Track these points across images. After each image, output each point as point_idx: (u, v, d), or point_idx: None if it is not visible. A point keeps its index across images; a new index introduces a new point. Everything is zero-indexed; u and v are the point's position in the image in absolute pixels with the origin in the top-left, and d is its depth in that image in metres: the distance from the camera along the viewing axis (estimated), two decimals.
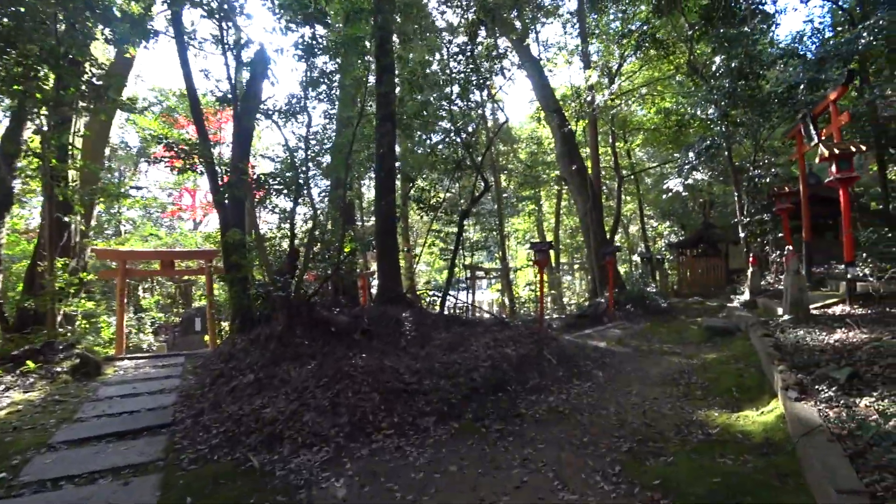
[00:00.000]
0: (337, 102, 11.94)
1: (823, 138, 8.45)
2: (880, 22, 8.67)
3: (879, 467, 2.89)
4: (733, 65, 10.82)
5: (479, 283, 26.92)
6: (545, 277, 12.28)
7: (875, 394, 3.86)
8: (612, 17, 17.67)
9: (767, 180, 11.81)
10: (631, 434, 4.42)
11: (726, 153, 12.88)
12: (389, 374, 5.60)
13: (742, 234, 12.54)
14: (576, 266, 30.26)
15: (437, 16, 13.89)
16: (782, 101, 10.30)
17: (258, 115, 9.68)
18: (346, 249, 11.24)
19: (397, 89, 11.44)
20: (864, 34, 8.86)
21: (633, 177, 22.83)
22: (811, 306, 7.45)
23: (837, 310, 7.34)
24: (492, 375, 5.54)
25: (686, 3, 13.50)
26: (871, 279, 7.34)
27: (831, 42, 10.77)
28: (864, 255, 7.58)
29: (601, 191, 15.78)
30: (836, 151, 7.32)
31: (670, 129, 17.24)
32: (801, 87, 9.38)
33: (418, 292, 14.86)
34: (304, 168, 9.29)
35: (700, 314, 12.47)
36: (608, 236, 16.18)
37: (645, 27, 14.73)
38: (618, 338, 9.46)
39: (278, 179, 9.24)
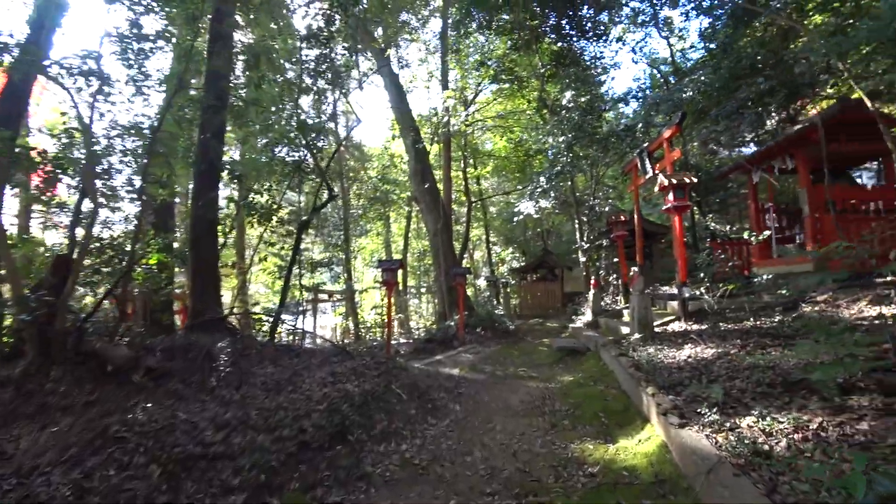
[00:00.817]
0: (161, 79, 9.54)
1: (659, 171, 9.05)
2: (701, 78, 9.80)
3: None
4: (581, 100, 11.44)
5: (322, 307, 24.92)
6: (392, 300, 11.30)
7: (754, 412, 3.55)
8: (471, 49, 18.11)
9: (606, 209, 12.67)
10: (505, 487, 3.49)
11: (570, 182, 13.59)
12: (183, 433, 3.87)
13: (582, 259, 13.19)
14: (423, 289, 30.11)
15: None
16: (620, 138, 11.09)
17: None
18: (150, 261, 8.84)
19: (236, 68, 9.60)
20: (688, 88, 9.91)
21: (481, 203, 23.48)
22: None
23: (676, 326, 7.66)
24: (328, 422, 4.16)
25: (540, 45, 14.23)
26: (705, 297, 7.82)
27: (661, 93, 12.06)
28: (702, 275, 8.09)
29: (451, 213, 15.60)
30: (674, 181, 7.76)
31: (519, 159, 18.02)
32: (639, 125, 10.12)
33: (254, 316, 12.64)
34: (100, 150, 6.89)
35: (545, 335, 12.67)
36: (457, 259, 16.00)
37: (501, 61, 15.24)
38: (471, 363, 8.81)
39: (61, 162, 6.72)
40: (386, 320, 10.38)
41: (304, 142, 9.13)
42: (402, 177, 22.13)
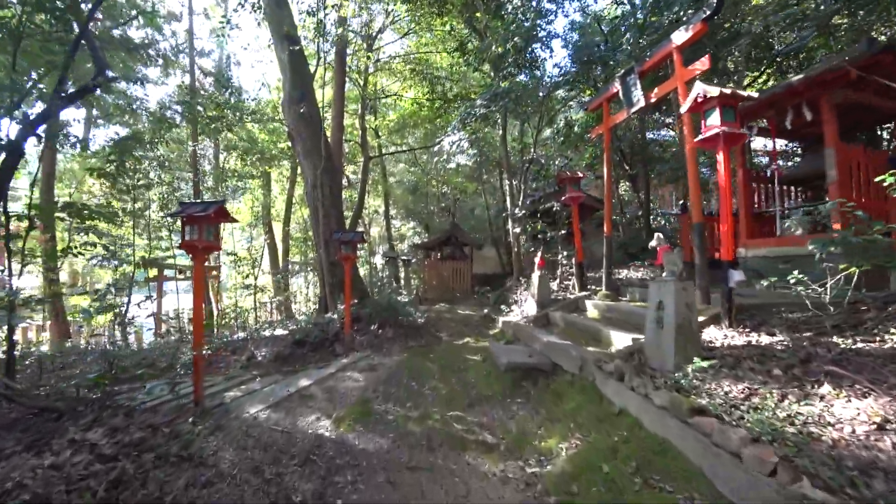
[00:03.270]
0: None
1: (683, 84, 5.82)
2: None
3: None
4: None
5: (175, 287, 19.14)
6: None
7: None
8: None
9: (558, 162, 9.36)
10: None
11: (501, 131, 10.10)
12: None
13: (516, 230, 9.84)
14: (310, 267, 25.26)
15: None
16: (590, 61, 7.76)
17: None
18: None
19: None
20: None
21: (381, 164, 19.33)
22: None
23: (718, 334, 4.50)
24: None
25: None
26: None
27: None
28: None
29: (342, 159, 11.32)
30: (723, 94, 4.52)
31: (432, 107, 14.12)
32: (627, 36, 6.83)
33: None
34: None
35: (464, 330, 9.18)
36: (345, 223, 11.94)
37: None
38: (360, 396, 4.97)
39: None
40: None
41: None
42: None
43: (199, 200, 7.38)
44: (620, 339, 5.20)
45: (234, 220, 4.74)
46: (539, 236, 9.61)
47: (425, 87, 13.56)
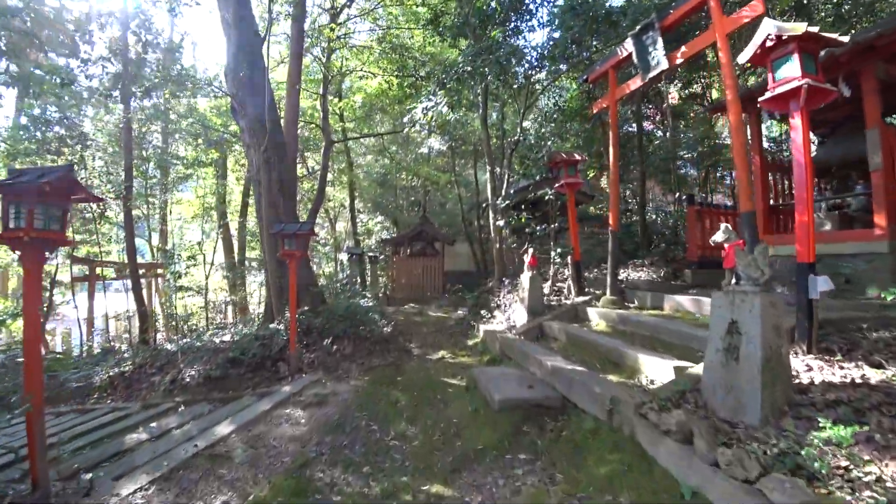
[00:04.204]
0: None
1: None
2: None
3: None
4: None
5: (114, 286, 16.99)
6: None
7: None
8: None
9: (547, 146, 8.00)
10: None
11: (481, 110, 8.72)
12: None
13: (499, 222, 8.49)
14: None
15: None
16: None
17: None
18: None
19: None
20: None
21: (345, 151, 17.69)
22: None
23: (799, 366, 3.23)
24: None
25: None
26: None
27: None
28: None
29: (297, 141, 9.67)
30: (804, 32, 3.27)
31: (403, 85, 12.57)
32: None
33: None
34: None
35: (440, 342, 7.82)
36: (296, 213, 10.40)
37: None
38: (297, 456, 3.52)
39: None
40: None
41: None
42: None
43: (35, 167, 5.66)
44: (656, 368, 3.92)
45: (96, 199, 3.19)
46: (526, 230, 8.33)
47: (394, 61, 11.97)
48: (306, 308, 6.43)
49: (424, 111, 6.52)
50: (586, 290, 7.13)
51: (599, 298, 6.58)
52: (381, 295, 15.14)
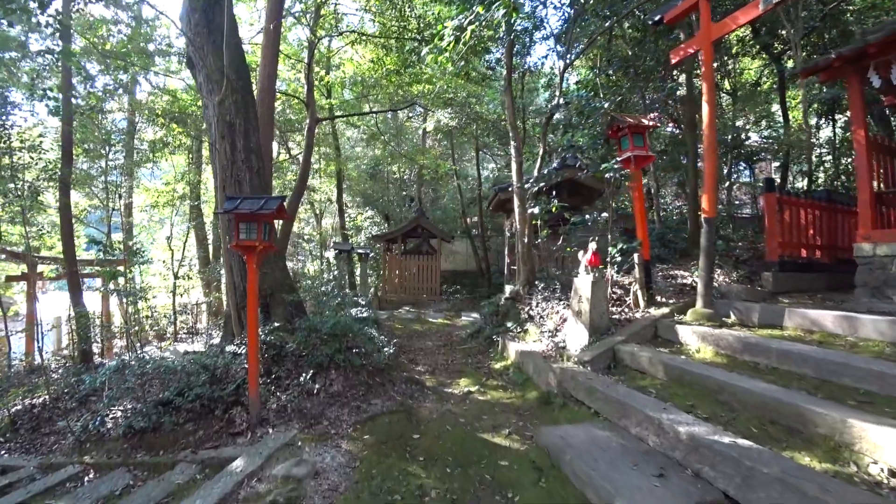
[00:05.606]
0: None
1: None
2: None
3: None
4: None
5: (53, 286, 14.76)
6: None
7: None
8: None
9: (607, 106, 6.10)
10: None
11: (504, 71, 6.91)
12: None
13: (531, 209, 6.66)
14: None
15: None
16: None
17: None
18: None
19: None
20: None
21: (332, 134, 15.74)
22: None
23: None
24: None
25: None
26: None
27: None
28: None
29: (273, 109, 7.68)
30: None
31: (402, 50, 10.61)
32: None
33: None
34: None
35: (455, 364, 6.07)
36: (268, 184, 8.50)
37: None
38: None
39: None
40: None
41: None
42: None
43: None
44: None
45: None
46: (562, 221, 6.55)
47: (393, 18, 10.01)
48: (276, 325, 4.54)
49: (452, 32, 4.55)
50: (655, 298, 5.37)
51: (683, 311, 4.82)
52: (372, 296, 13.29)
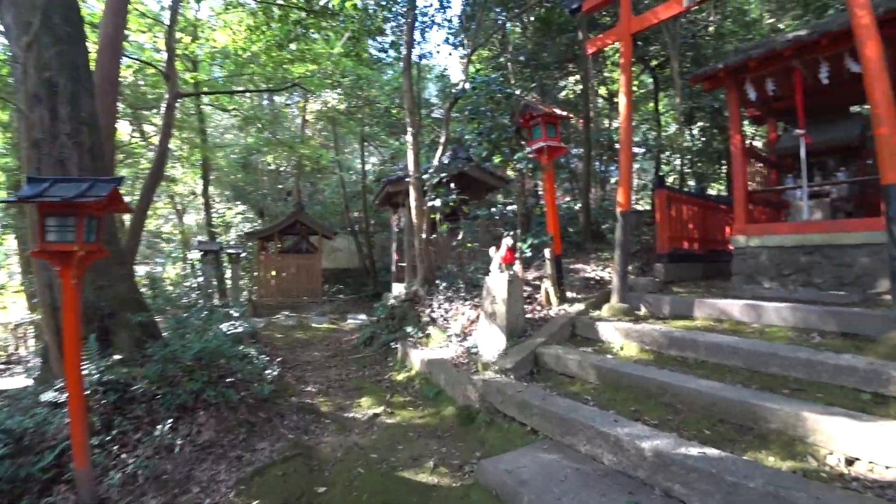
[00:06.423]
0: None
1: None
2: None
3: None
4: None
5: None
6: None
7: None
8: None
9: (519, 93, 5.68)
10: None
11: (404, 51, 6.30)
12: None
13: (431, 202, 6.13)
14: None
15: None
16: None
17: None
18: None
19: None
20: None
21: (198, 116, 13.66)
22: None
23: None
24: None
25: None
26: None
27: None
28: None
29: (117, 71, 6.09)
30: None
31: (286, 18, 9.18)
32: None
33: None
34: None
35: (351, 380, 5.37)
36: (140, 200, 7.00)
37: None
38: None
39: None
40: None
41: None
42: None
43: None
44: (851, 436, 2.06)
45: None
46: (460, 215, 6.14)
47: None
48: (118, 357, 3.39)
49: None
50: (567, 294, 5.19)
51: (598, 306, 4.68)
52: (246, 302, 11.77)
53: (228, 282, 12.86)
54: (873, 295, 4.18)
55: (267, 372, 4.24)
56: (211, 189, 17.79)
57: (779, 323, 3.68)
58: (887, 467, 2.03)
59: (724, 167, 11.18)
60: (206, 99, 13.39)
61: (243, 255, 14.20)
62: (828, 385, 2.67)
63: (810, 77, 5.04)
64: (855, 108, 6.93)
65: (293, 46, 9.94)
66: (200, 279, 9.27)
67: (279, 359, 5.67)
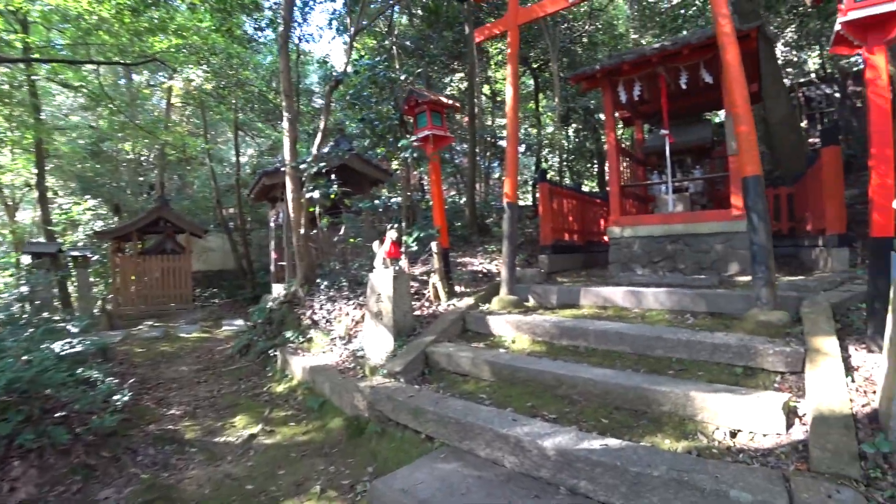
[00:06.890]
0: None
1: None
2: None
3: None
4: None
5: None
6: None
7: None
8: None
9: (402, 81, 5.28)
10: None
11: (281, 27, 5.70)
12: None
13: (310, 194, 5.63)
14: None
15: None
16: None
17: None
18: None
19: None
20: None
21: (29, 96, 11.33)
22: None
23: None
24: None
25: None
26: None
27: None
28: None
29: None
30: None
31: None
32: None
33: None
34: None
35: (223, 398, 4.77)
36: None
37: None
38: None
39: None
40: None
41: None
42: None
43: None
44: (731, 410, 2.22)
45: None
46: (342, 209, 5.73)
47: None
48: None
49: None
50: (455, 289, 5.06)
51: (487, 299, 4.61)
52: (100, 313, 10.05)
53: (76, 290, 10.92)
54: (727, 277, 4.68)
55: (115, 398, 3.53)
56: (51, 180, 15.09)
57: (657, 307, 3.90)
58: (764, 435, 2.16)
59: (595, 166, 12.15)
60: (43, 70, 11.02)
61: (94, 257, 12.20)
62: (707, 363, 2.83)
63: (673, 83, 5.54)
64: (707, 115, 7.86)
65: (154, 15, 8.63)
66: (28, 289, 7.62)
67: (133, 379, 4.81)
